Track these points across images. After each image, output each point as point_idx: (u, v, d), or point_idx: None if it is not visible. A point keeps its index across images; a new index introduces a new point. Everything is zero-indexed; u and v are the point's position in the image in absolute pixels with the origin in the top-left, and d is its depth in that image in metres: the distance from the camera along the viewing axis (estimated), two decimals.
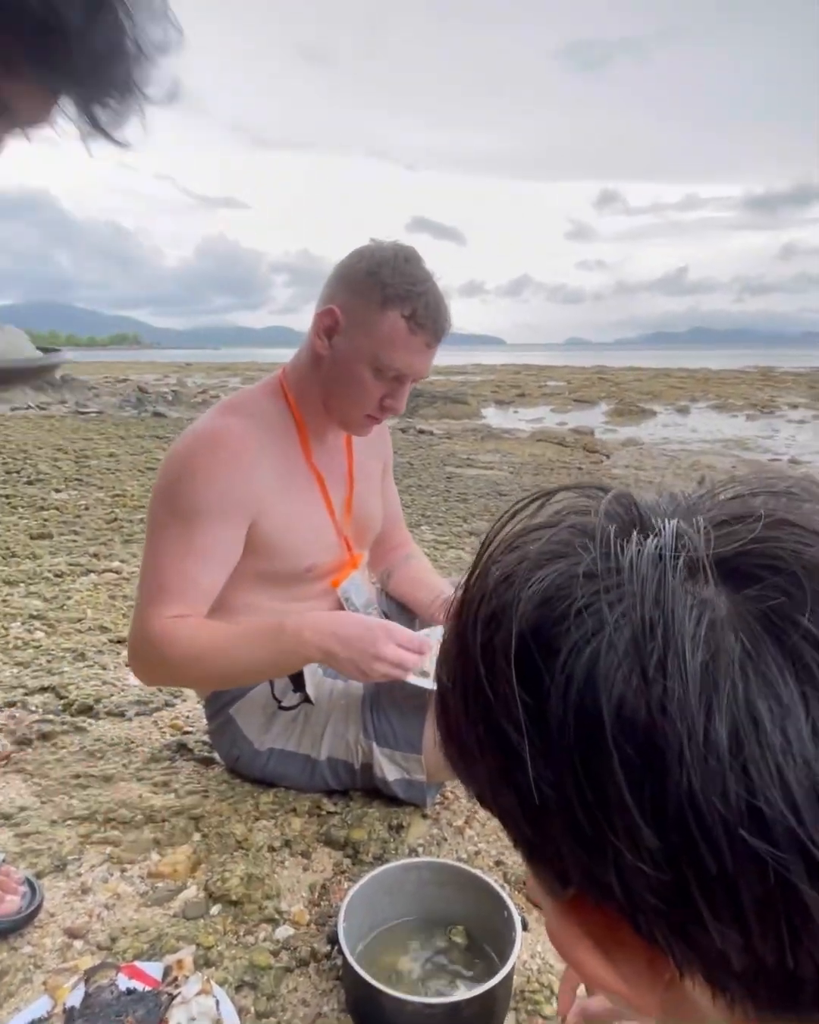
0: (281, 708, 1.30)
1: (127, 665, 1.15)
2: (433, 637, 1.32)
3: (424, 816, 1.31)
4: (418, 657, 1.13)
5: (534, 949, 1.03)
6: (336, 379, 1.20)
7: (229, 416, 1.21)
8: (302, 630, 1.11)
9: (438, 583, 1.54)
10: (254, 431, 1.20)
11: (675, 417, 12.93)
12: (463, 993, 0.77)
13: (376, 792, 1.31)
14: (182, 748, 1.49)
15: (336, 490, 1.35)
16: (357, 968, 0.79)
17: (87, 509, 3.57)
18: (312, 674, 1.31)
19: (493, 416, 12.73)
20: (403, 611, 1.56)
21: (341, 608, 1.36)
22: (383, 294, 1.13)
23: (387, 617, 1.53)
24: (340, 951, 0.84)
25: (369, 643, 1.08)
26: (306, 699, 1.29)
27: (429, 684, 1.21)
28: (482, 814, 1.36)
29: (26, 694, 1.66)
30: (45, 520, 3.29)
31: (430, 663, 1.24)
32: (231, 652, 1.14)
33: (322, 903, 1.10)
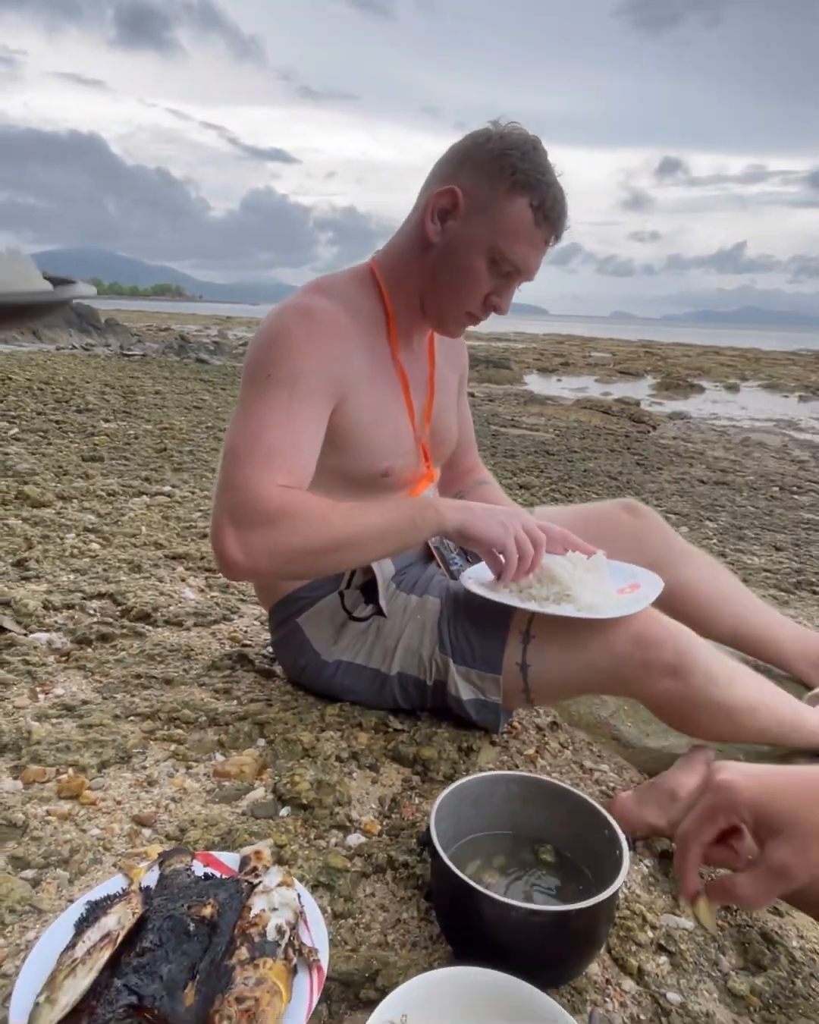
0: (351, 619, 1.25)
1: (216, 550, 1.02)
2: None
3: (493, 742, 1.26)
4: (540, 537, 1.14)
5: None
6: (445, 268, 1.11)
7: (317, 295, 1.14)
8: (434, 501, 1.13)
9: (513, 507, 1.46)
10: (341, 315, 1.12)
11: (724, 394, 12.59)
12: (573, 904, 0.71)
13: (443, 714, 1.26)
14: (243, 658, 1.45)
15: (417, 396, 1.27)
16: (456, 870, 0.74)
17: (136, 438, 3.54)
18: (386, 588, 1.24)
19: (536, 383, 12.50)
20: None
21: None
22: (512, 179, 1.04)
23: (464, 552, 1.46)
24: (431, 854, 0.79)
25: (503, 510, 1.13)
26: (379, 611, 1.23)
27: (514, 600, 1.14)
28: (554, 745, 1.30)
29: (84, 598, 1.63)
30: (96, 445, 3.26)
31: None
32: (362, 514, 1.07)
33: (393, 815, 1.05)
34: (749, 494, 4.25)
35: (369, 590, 1.25)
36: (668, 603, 1.19)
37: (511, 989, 0.69)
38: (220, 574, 1.86)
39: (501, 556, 1.10)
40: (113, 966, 0.67)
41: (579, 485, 3.81)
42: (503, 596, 1.13)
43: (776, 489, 4.54)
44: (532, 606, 1.10)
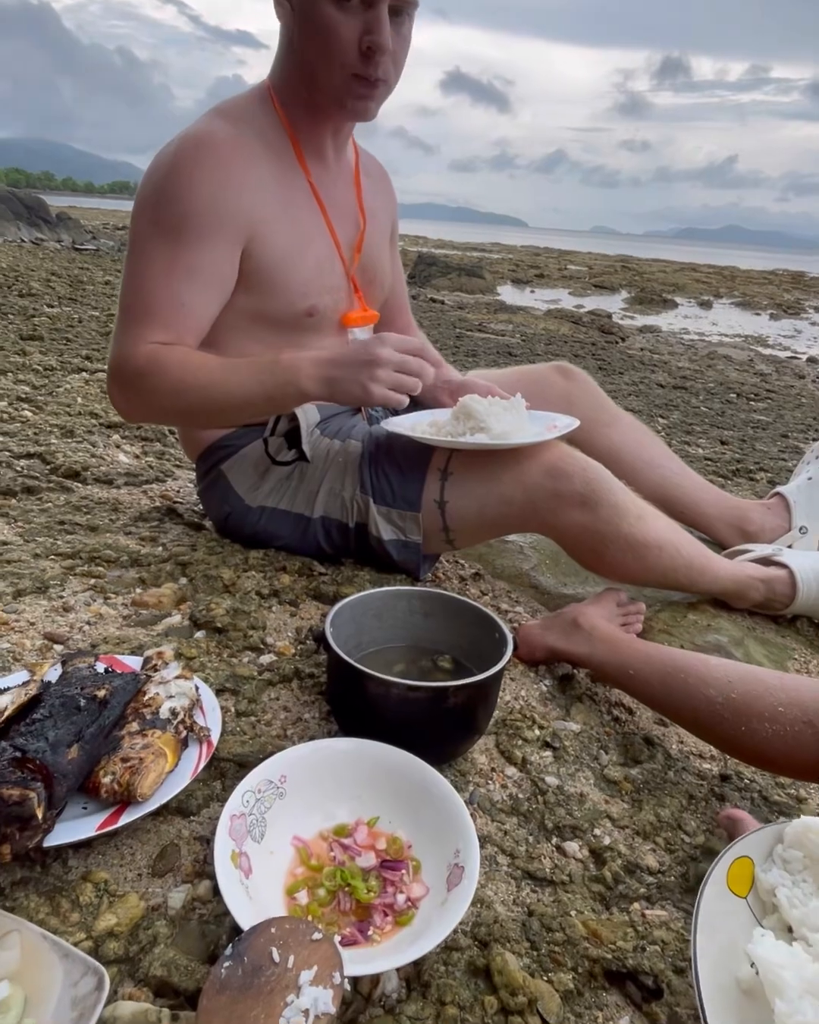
0: (275, 463, 1.24)
1: (106, 393, 1.10)
2: (439, 418, 1.24)
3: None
4: (420, 361, 1.00)
5: (517, 693, 1.02)
6: (306, 38, 1.03)
7: (218, 120, 1.07)
8: (298, 362, 1.01)
9: (443, 367, 1.45)
10: (245, 138, 1.06)
11: (696, 310, 12.46)
12: (449, 681, 0.75)
13: (368, 560, 1.28)
14: (171, 512, 1.45)
15: (342, 224, 1.22)
16: (341, 653, 0.77)
17: (80, 322, 3.40)
18: (309, 433, 1.24)
19: (508, 293, 12.21)
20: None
21: None
22: None
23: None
24: (324, 646, 0.81)
25: (363, 352, 0.97)
26: (301, 456, 1.23)
27: (429, 435, 1.15)
28: (474, 591, 1.34)
29: (12, 457, 1.60)
30: (36, 326, 3.13)
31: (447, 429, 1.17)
32: (221, 382, 1.03)
33: (308, 642, 1.09)
34: (705, 398, 4.27)
35: (293, 437, 1.24)
36: None
37: (389, 756, 0.73)
38: (156, 442, 1.84)
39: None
40: (3, 736, 0.69)
41: None
42: (419, 431, 1.14)
43: (733, 395, 4.57)
44: (446, 440, 1.11)
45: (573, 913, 0.66)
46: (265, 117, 1.11)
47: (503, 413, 1.13)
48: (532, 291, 13.13)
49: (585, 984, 0.59)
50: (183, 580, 1.19)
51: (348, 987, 0.51)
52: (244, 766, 0.80)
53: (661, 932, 0.64)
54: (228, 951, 0.51)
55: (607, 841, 0.77)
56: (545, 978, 0.59)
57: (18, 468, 1.56)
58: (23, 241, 10.47)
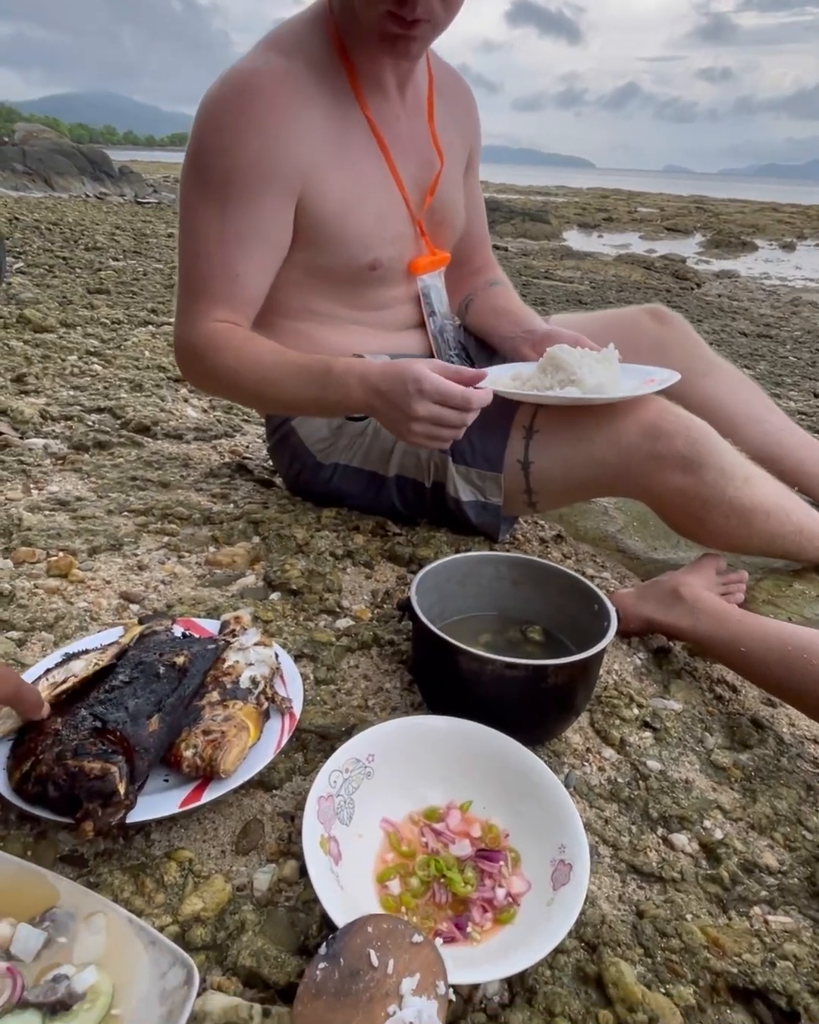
0: (348, 419, 1.18)
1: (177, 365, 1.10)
2: (522, 371, 1.14)
3: (492, 549, 1.22)
4: (460, 414, 0.89)
5: (610, 667, 0.95)
6: None
7: (269, 53, 0.97)
8: (349, 380, 0.93)
9: (525, 313, 1.34)
10: (296, 73, 0.96)
11: (778, 253, 11.70)
12: (551, 660, 0.68)
13: (444, 520, 1.22)
14: (241, 468, 1.41)
15: (409, 165, 1.11)
16: (430, 625, 0.71)
17: (145, 275, 3.38)
18: None
19: (575, 238, 11.70)
20: (482, 348, 1.38)
21: (419, 310, 1.20)
22: None
23: (465, 350, 1.36)
24: (410, 616, 0.76)
25: (402, 399, 0.87)
26: None
27: (514, 388, 1.06)
28: (556, 555, 1.27)
29: (83, 411, 1.59)
30: (102, 279, 3.12)
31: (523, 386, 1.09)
32: (274, 381, 0.99)
33: (385, 606, 1.04)
34: (792, 347, 4.00)
35: None
36: None
37: (484, 737, 0.68)
38: None
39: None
40: (82, 699, 0.66)
41: None
42: (501, 385, 1.05)
43: None
44: (532, 393, 1.02)
45: (688, 916, 0.60)
46: (320, 45, 1.00)
47: (595, 365, 1.03)
48: (600, 236, 12.56)
49: (707, 1000, 0.54)
50: (256, 539, 1.15)
51: (453, 998, 0.46)
52: (326, 737, 0.76)
53: (792, 946, 0.57)
54: (323, 951, 0.47)
55: (719, 835, 0.71)
56: (662, 990, 0.54)
57: (89, 422, 1.54)
58: (88, 196, 10.52)
